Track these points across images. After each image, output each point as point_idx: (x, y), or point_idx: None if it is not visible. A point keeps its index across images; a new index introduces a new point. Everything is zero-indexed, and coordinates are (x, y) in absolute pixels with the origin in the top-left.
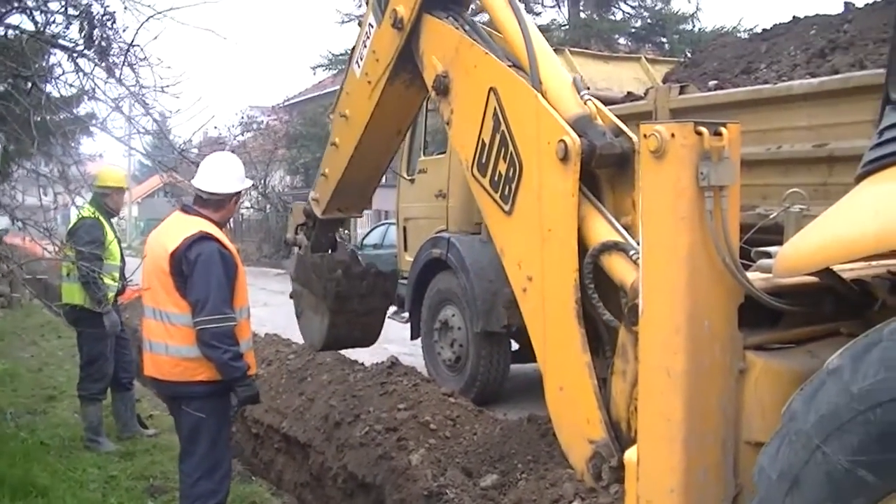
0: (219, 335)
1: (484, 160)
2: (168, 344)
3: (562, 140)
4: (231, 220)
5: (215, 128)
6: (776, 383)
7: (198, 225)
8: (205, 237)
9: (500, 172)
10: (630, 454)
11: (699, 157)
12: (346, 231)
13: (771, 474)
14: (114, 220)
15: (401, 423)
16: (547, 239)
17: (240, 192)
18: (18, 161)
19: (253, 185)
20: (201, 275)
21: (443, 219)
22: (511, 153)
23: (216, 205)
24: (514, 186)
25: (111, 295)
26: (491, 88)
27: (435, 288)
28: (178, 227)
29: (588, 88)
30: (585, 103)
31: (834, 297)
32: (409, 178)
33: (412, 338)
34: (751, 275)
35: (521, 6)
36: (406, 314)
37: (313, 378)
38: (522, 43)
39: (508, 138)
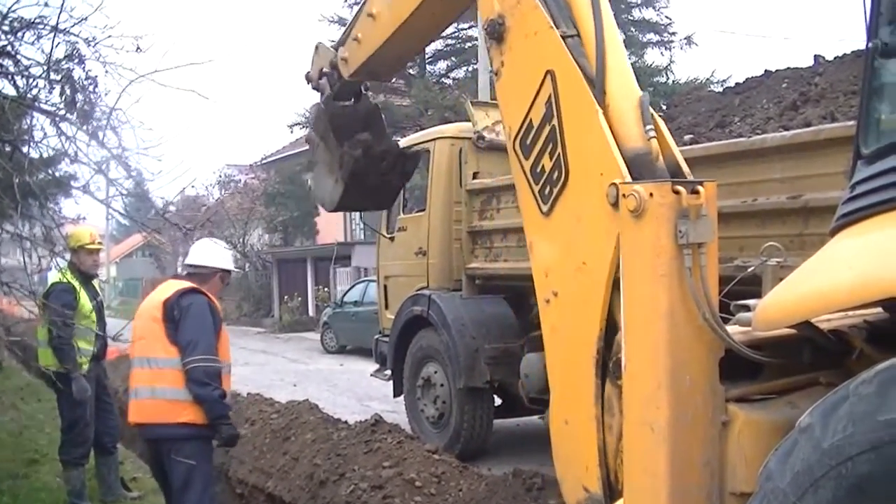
0: (210, 373)
1: (529, 143)
2: (154, 387)
3: (614, 184)
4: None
5: (193, 186)
6: (758, 434)
7: (190, 285)
8: (196, 291)
9: (543, 166)
10: None
11: (677, 215)
12: (326, 289)
13: (778, 482)
14: (95, 282)
15: (386, 481)
16: (580, 270)
17: (225, 273)
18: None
19: (230, 243)
20: (194, 319)
21: (423, 276)
22: (559, 155)
23: (201, 278)
24: (556, 191)
25: (84, 359)
26: (549, 71)
27: (417, 345)
28: (172, 286)
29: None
30: (649, 137)
31: (812, 347)
32: (389, 236)
33: (395, 395)
34: (730, 328)
35: None
36: (388, 372)
37: (297, 437)
38: (593, 40)
39: (559, 138)
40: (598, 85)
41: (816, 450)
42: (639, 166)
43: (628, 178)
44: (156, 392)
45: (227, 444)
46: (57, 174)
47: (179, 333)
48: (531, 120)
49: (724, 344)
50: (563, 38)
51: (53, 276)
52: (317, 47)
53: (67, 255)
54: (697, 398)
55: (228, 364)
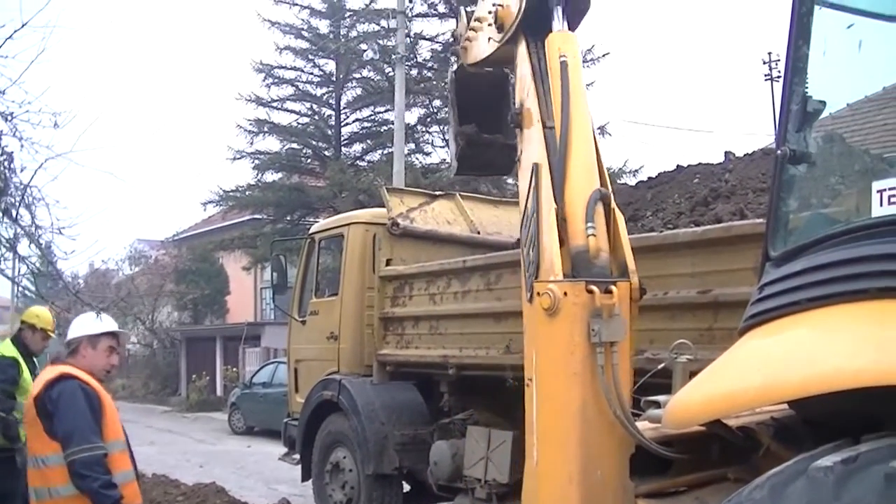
0: (88, 464)
1: (523, 230)
2: (50, 487)
3: (547, 292)
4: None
5: (103, 261)
6: None
7: (60, 370)
8: (64, 377)
9: (528, 256)
10: None
11: (591, 314)
12: (235, 368)
13: None
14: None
15: None
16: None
17: (93, 339)
18: None
19: (139, 320)
20: (64, 409)
21: (334, 361)
22: (536, 247)
23: (73, 353)
24: (532, 282)
25: (23, 433)
26: (534, 164)
27: (326, 430)
28: (42, 376)
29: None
30: (587, 235)
31: (721, 444)
32: (301, 319)
33: (303, 480)
34: (641, 424)
35: (577, 76)
36: (297, 456)
37: None
38: (564, 130)
39: (536, 231)
40: (556, 181)
41: None
42: (579, 264)
43: (560, 277)
44: (52, 492)
45: None
46: None
47: (55, 427)
48: (527, 210)
49: (635, 441)
50: (544, 129)
51: None
52: (461, 11)
53: None
54: (608, 493)
55: (121, 441)
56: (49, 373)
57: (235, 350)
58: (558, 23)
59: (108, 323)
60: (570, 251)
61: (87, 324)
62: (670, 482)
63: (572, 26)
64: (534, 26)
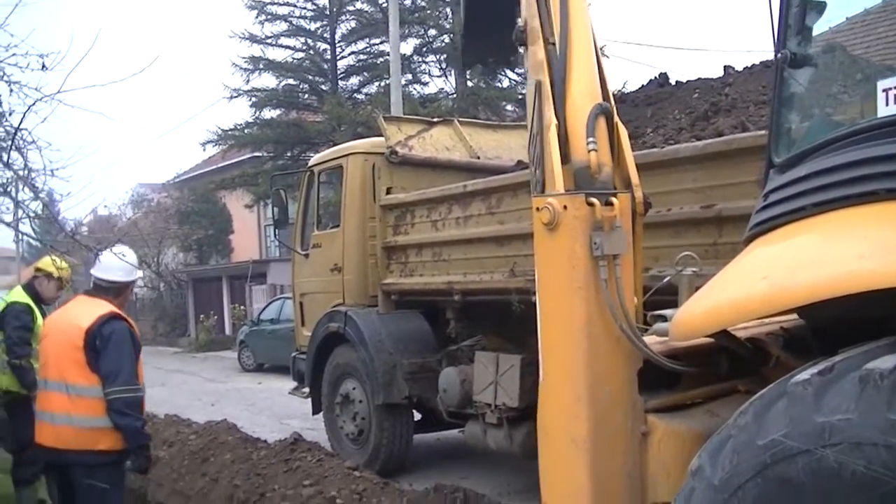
0: (131, 404)
1: (531, 151)
2: (71, 414)
3: (546, 206)
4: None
5: (105, 206)
6: (678, 444)
7: (106, 307)
8: (116, 317)
9: (536, 174)
10: None
11: (591, 227)
12: (242, 307)
13: None
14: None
15: (307, 500)
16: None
17: (132, 286)
18: None
19: (145, 263)
20: (115, 348)
21: (339, 293)
22: (541, 165)
23: (115, 292)
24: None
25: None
26: (538, 81)
27: (334, 362)
28: (89, 308)
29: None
30: (589, 150)
31: (730, 356)
32: (304, 252)
33: (314, 413)
34: (648, 339)
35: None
36: (306, 389)
37: (216, 458)
38: (563, 46)
39: (540, 147)
40: (557, 97)
41: (709, 488)
42: (581, 180)
43: (563, 203)
44: (73, 420)
45: (139, 471)
46: None
47: (101, 362)
48: (532, 128)
49: (642, 355)
50: (546, 45)
51: None
52: None
53: None
54: (617, 410)
55: (143, 386)
56: (95, 307)
57: (242, 288)
58: None
59: (137, 269)
60: (572, 167)
61: (132, 270)
62: (680, 396)
63: None
64: None
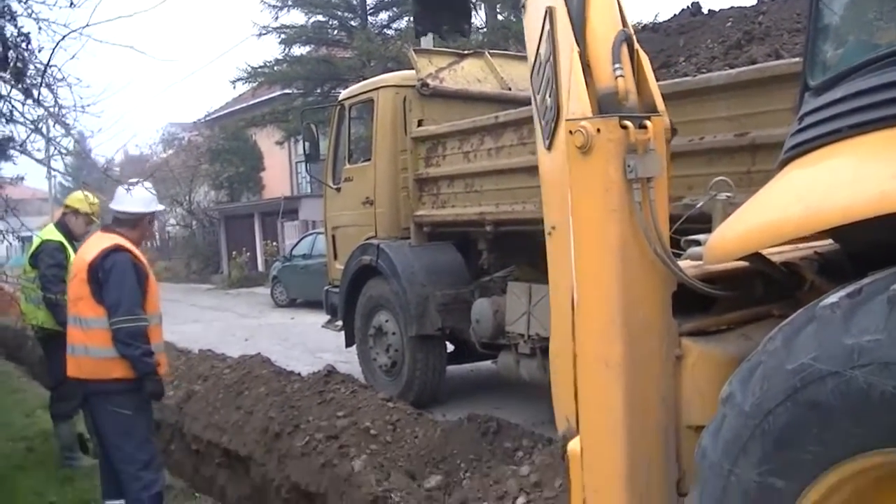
0: (132, 334)
1: (536, 78)
2: (87, 346)
3: (580, 130)
4: (154, 238)
5: (136, 146)
6: (712, 367)
7: (113, 240)
8: (118, 249)
9: (546, 102)
10: (574, 444)
11: (625, 150)
12: (274, 243)
13: (712, 456)
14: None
15: (341, 431)
16: (566, 207)
17: (152, 214)
18: None
19: (177, 202)
20: (115, 281)
21: (371, 226)
22: (554, 91)
23: (130, 224)
24: (552, 127)
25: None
26: (548, 8)
27: (367, 295)
28: (97, 243)
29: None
30: (616, 76)
31: (764, 280)
32: (335, 186)
33: (347, 346)
34: (682, 263)
35: None
36: (339, 322)
37: (250, 391)
38: None
39: (554, 75)
40: (576, 23)
41: (740, 415)
42: (607, 106)
43: (595, 126)
44: (89, 351)
45: (152, 397)
46: None
47: (104, 294)
48: (540, 55)
49: (676, 278)
50: None
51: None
52: None
53: (8, 218)
54: (651, 333)
55: (158, 315)
56: (102, 240)
57: (274, 225)
58: None
59: (157, 201)
60: (596, 94)
61: (149, 201)
62: (714, 320)
63: None
64: None
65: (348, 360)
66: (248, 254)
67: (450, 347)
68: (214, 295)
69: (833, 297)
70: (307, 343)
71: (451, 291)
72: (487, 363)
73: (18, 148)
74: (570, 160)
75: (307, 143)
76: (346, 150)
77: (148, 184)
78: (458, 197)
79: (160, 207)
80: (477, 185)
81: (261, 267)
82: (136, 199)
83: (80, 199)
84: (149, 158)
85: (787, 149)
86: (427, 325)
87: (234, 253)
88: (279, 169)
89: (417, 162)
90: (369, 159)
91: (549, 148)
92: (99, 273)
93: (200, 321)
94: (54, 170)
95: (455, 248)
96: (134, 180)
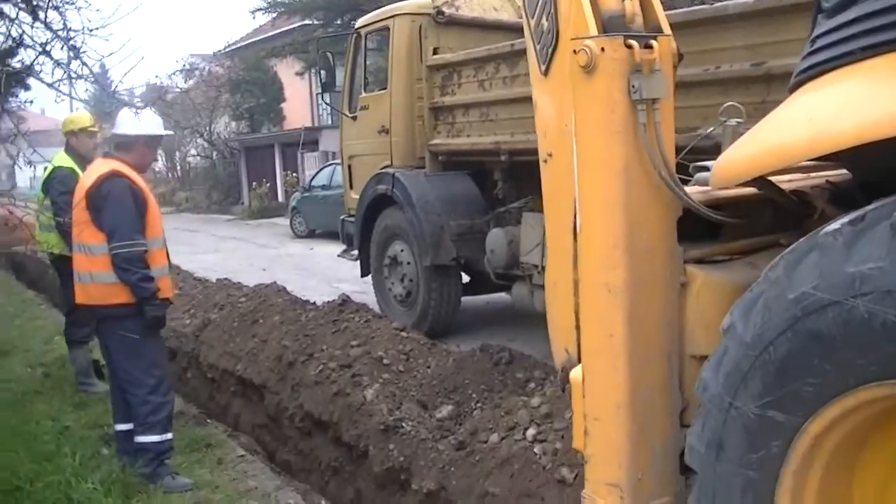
0: (129, 259)
1: (525, 3)
2: (92, 272)
3: (584, 49)
4: (159, 164)
5: (157, 76)
6: (717, 295)
7: (110, 165)
8: (115, 174)
9: (542, 26)
10: (575, 373)
11: (630, 70)
12: (294, 174)
13: (713, 389)
14: None
15: (354, 360)
16: (564, 132)
17: (152, 138)
18: None
19: (197, 132)
20: (112, 206)
21: (387, 154)
22: (552, 16)
23: (126, 147)
24: (550, 51)
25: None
26: None
27: (382, 224)
28: (96, 169)
29: None
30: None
31: (773, 208)
32: (351, 115)
33: (362, 275)
34: (689, 189)
35: None
36: (355, 252)
37: (265, 320)
38: None
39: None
40: None
41: (741, 346)
42: (613, 28)
43: (599, 45)
44: (94, 277)
45: (153, 323)
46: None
47: (102, 220)
48: None
49: (682, 203)
50: None
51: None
52: None
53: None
54: (655, 259)
55: (160, 238)
56: (101, 167)
57: (294, 156)
58: None
59: (160, 126)
60: (601, 17)
61: (148, 124)
62: (720, 247)
63: None
64: None
65: (365, 291)
66: (269, 185)
67: (465, 279)
68: (234, 225)
69: (835, 224)
70: (324, 273)
71: (466, 221)
72: (502, 296)
73: (31, 73)
74: (573, 81)
75: (323, 72)
76: (363, 79)
77: (149, 110)
78: (473, 126)
79: (159, 131)
80: (492, 114)
81: (281, 198)
82: (132, 120)
83: (71, 119)
84: (169, 89)
85: (798, 72)
86: (442, 255)
87: (254, 184)
88: (300, 100)
89: (433, 90)
90: (385, 88)
91: (546, 73)
92: (97, 199)
93: (220, 251)
94: (73, 97)
95: (470, 178)
96: (141, 104)
